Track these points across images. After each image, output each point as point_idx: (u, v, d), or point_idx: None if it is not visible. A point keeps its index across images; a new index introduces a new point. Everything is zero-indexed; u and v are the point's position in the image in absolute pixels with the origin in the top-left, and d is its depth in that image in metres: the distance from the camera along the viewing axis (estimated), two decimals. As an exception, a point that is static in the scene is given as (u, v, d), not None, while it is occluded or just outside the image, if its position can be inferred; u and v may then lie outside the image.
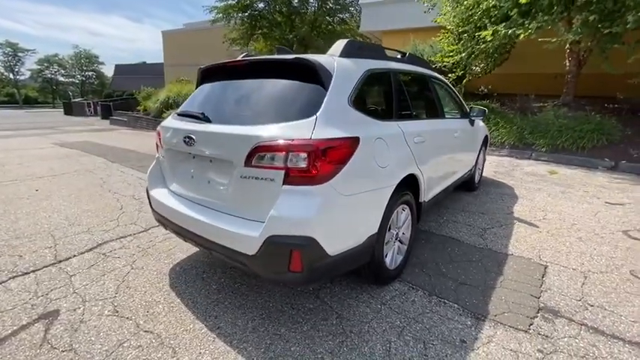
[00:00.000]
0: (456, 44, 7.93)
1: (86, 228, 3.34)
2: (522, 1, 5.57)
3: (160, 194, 2.30)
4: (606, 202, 4.22)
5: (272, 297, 2.24)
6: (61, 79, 53.38)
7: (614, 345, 1.87)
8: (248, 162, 1.69)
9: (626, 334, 1.96)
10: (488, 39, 6.20)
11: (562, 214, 3.82)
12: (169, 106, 15.33)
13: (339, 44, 2.08)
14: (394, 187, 2.05)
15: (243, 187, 1.75)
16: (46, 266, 2.60)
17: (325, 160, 1.60)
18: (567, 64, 7.92)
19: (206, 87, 2.35)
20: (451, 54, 7.82)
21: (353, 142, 1.74)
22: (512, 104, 8.08)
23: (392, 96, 2.32)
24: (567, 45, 7.51)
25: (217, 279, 2.46)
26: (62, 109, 28.32)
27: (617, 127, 6.25)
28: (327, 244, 1.65)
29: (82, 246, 2.95)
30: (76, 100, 31.77)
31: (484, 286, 2.41)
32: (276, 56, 2.02)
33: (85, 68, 52.65)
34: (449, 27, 8.14)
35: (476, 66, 8.04)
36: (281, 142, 1.60)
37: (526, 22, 5.76)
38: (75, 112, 26.01)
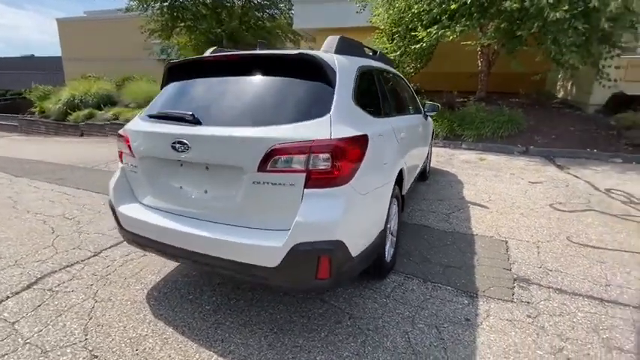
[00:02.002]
0: (390, 43, 8.46)
1: (12, 261, 2.69)
2: (453, 7, 6.23)
3: (133, 210, 1.97)
4: (529, 182, 4.98)
5: (275, 308, 2.11)
6: None
7: (577, 300, 2.23)
8: (262, 167, 1.54)
9: (581, 290, 2.35)
10: (425, 39, 6.76)
11: (502, 194, 4.38)
12: (75, 106, 13.31)
13: (332, 40, 2.03)
14: (394, 181, 2.10)
15: (256, 194, 1.60)
16: (-31, 316, 2.03)
17: (346, 160, 1.55)
18: (479, 64, 9.08)
19: (182, 85, 2.07)
20: (385, 52, 8.31)
21: (365, 140, 1.73)
22: (440, 100, 8.94)
23: (378, 93, 2.37)
24: (478, 48, 8.59)
25: (208, 298, 2.21)
26: None
27: (524, 118, 7.42)
28: (351, 246, 1.61)
29: (15, 284, 2.37)
30: None
31: (465, 266, 2.63)
32: (275, 51, 1.87)
33: (-57, 62, 42.07)
34: (382, 27, 8.65)
35: (408, 65, 8.71)
36: (301, 143, 1.50)
37: (452, 24, 6.46)
38: (-64, 117, 20.61)
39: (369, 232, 1.84)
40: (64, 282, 2.40)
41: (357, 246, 1.67)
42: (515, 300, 2.23)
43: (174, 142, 1.69)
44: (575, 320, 2.03)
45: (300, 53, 1.73)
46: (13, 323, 1.97)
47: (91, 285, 2.36)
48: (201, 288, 2.33)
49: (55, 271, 2.54)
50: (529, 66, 7.17)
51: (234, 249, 1.60)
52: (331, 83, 1.72)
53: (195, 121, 1.72)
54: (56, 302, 2.16)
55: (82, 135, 12.64)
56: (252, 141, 1.56)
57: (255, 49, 2.37)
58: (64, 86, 15.10)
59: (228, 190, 1.68)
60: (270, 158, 1.52)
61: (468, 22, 6.34)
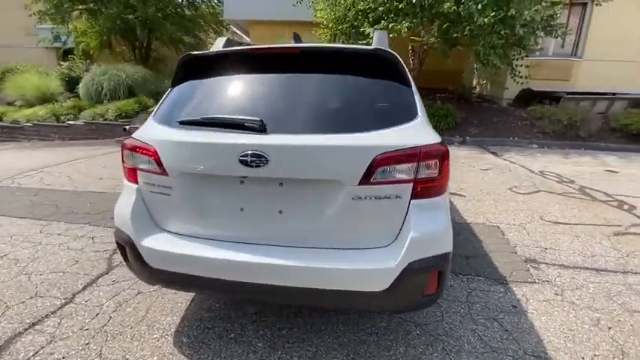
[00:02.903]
0: (335, 41, 8.52)
1: (-63, 330, 1.90)
2: (400, 6, 6.53)
3: (165, 243, 1.54)
4: (481, 169, 5.57)
5: (337, 330, 1.91)
6: None
7: (581, 273, 2.55)
8: (366, 179, 1.34)
9: (577, 263, 2.70)
10: (372, 35, 6.95)
11: (467, 183, 4.80)
12: None
13: (382, 36, 1.87)
14: None
15: (354, 211, 1.38)
16: None
17: (446, 166, 1.46)
18: (411, 62, 9.79)
19: (213, 83, 1.67)
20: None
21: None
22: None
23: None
24: (410, 47, 9.25)
25: (254, 333, 1.89)
26: None
27: (458, 112, 8.29)
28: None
29: (-40, 364, 1.68)
30: None
31: (480, 255, 2.80)
32: (344, 46, 1.62)
33: None
34: (325, 23, 8.63)
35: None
36: (409, 150, 1.35)
37: (399, 20, 6.81)
38: None
39: None
40: (42, 347, 1.78)
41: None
42: (537, 281, 2.44)
43: (243, 155, 1.35)
44: (591, 291, 2.32)
45: (376, 49, 1.55)
46: None
47: (86, 344, 1.80)
48: (239, 322, 1.98)
49: (20, 334, 1.87)
50: (451, 64, 8.04)
51: (334, 276, 1.37)
52: (406, 82, 1.60)
53: (262, 129, 1.41)
54: (47, 378, 1.59)
55: (-52, 142, 9.83)
56: (354, 150, 1.34)
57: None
58: None
59: (314, 208, 1.42)
60: (376, 169, 1.33)
61: (414, 20, 6.74)
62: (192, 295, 2.21)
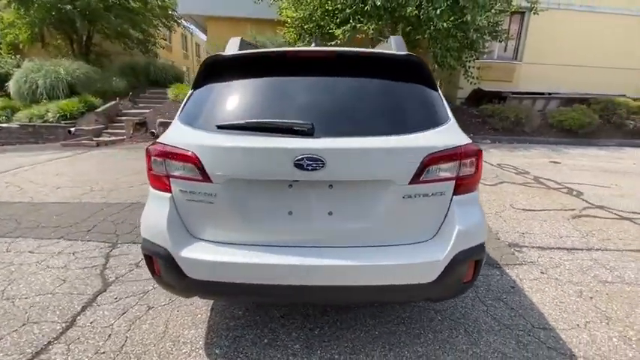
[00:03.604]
0: (301, 42, 8.53)
1: None
2: (366, 9, 6.76)
3: (207, 252, 1.48)
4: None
5: (366, 324, 1.98)
6: None
7: (555, 253, 2.92)
8: (416, 178, 1.42)
9: (551, 244, 3.07)
10: (340, 36, 7.12)
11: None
12: None
13: (399, 42, 1.96)
14: None
15: (403, 208, 1.45)
16: None
17: (481, 164, 1.60)
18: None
19: (242, 85, 1.62)
20: (296, 50, 8.35)
21: None
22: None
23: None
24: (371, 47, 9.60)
25: (286, 336, 1.89)
26: None
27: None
28: None
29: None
30: None
31: (471, 243, 3.05)
32: (375, 50, 1.66)
33: None
34: (289, 22, 8.59)
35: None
36: (452, 150, 1.45)
37: (365, 21, 7.06)
38: None
39: None
40: (58, 378, 1.61)
41: None
42: (524, 262, 2.74)
43: (299, 159, 1.35)
44: (568, 268, 2.66)
45: (407, 54, 1.63)
46: None
47: (109, 369, 1.67)
48: (268, 327, 1.96)
49: (25, 367, 1.67)
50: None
51: (391, 272, 1.43)
52: (435, 87, 1.70)
53: (310, 132, 1.42)
54: (77, 410, 1.45)
55: None
56: (406, 151, 1.42)
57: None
58: None
59: (364, 208, 1.47)
60: (427, 167, 1.42)
61: (379, 22, 7.03)
62: (210, 304, 2.13)
